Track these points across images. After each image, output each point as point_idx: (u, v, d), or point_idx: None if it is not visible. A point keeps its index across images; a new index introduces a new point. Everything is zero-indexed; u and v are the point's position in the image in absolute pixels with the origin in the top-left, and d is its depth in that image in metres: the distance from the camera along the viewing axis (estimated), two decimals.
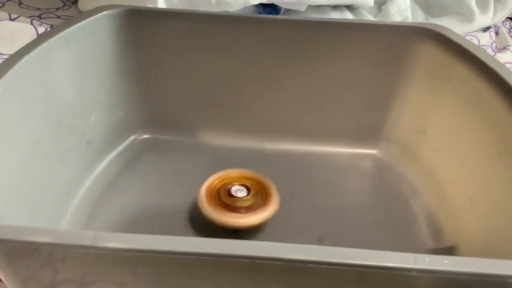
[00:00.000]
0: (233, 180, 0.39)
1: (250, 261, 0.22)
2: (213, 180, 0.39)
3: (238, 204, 0.37)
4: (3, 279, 0.26)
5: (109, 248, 0.21)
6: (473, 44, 0.41)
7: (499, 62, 0.38)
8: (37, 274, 0.24)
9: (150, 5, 0.57)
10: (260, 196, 0.38)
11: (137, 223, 0.39)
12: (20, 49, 0.35)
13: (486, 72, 0.37)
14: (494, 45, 0.69)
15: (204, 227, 0.38)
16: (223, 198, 0.37)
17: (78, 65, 0.41)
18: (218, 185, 0.38)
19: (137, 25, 0.45)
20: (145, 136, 0.49)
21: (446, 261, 0.21)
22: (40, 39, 0.37)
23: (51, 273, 0.24)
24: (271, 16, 0.46)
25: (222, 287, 0.24)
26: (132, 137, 0.48)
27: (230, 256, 0.21)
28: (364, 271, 0.21)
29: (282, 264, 0.21)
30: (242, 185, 0.39)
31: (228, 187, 0.38)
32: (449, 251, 0.38)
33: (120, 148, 0.47)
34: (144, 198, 0.42)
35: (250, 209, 0.36)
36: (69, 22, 0.40)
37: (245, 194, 0.38)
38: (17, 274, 0.25)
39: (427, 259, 0.21)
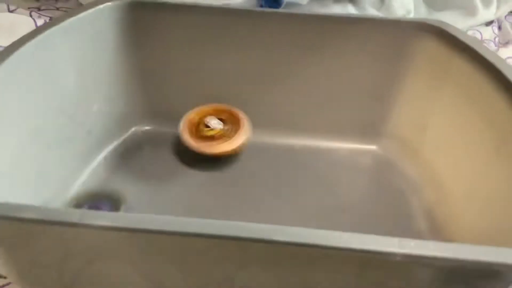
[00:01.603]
0: (209, 113, 0.45)
1: (238, 242, 0.22)
2: (190, 114, 0.45)
3: (215, 134, 0.43)
4: (5, 272, 0.27)
5: (95, 226, 0.21)
6: (475, 39, 0.41)
7: (500, 58, 0.37)
8: (37, 259, 0.25)
9: None
10: (233, 127, 0.44)
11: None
12: (21, 37, 0.36)
13: (487, 68, 0.37)
14: (497, 39, 0.69)
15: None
16: (201, 130, 0.44)
17: (78, 55, 0.41)
18: (196, 119, 0.45)
19: (138, 18, 0.45)
20: (146, 128, 0.49)
21: (431, 246, 0.21)
22: (41, 28, 0.37)
23: (56, 254, 0.24)
24: (272, 9, 0.46)
25: (211, 267, 0.24)
26: (133, 129, 0.48)
27: (217, 236, 0.22)
28: (347, 254, 0.21)
29: (268, 245, 0.22)
30: (218, 118, 0.45)
31: (205, 120, 0.44)
32: None
33: (120, 139, 0.47)
34: (143, 190, 0.42)
35: (223, 137, 0.43)
36: (70, 13, 0.40)
37: (220, 126, 0.44)
38: (18, 262, 0.25)
39: (412, 243, 0.21)
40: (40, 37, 0.37)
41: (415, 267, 0.22)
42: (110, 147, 0.46)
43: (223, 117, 0.45)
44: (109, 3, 0.43)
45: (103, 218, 0.21)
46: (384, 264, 0.22)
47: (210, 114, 0.45)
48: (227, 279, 0.24)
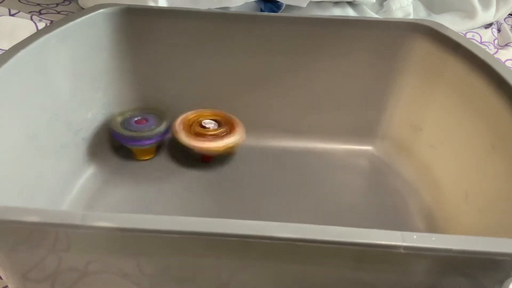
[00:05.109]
0: (206, 116, 0.46)
1: (240, 239, 0.22)
2: (188, 114, 0.46)
3: (207, 132, 0.44)
4: (2, 276, 0.26)
5: (97, 227, 0.21)
6: (466, 38, 0.41)
7: (491, 56, 0.38)
8: (37, 266, 0.24)
9: (151, 3, 0.57)
10: (227, 128, 0.45)
11: None
12: (17, 44, 0.36)
13: (479, 65, 0.37)
14: (496, 41, 0.69)
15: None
16: (196, 128, 0.44)
17: (75, 61, 0.41)
18: (192, 119, 0.46)
19: (135, 24, 0.45)
20: None
21: (433, 238, 0.22)
22: (37, 34, 0.37)
23: (53, 263, 0.24)
24: (267, 13, 0.46)
25: (216, 266, 0.24)
26: None
27: (219, 234, 0.21)
28: (351, 248, 0.21)
29: (271, 242, 0.22)
30: (213, 119, 0.46)
31: (200, 119, 0.46)
32: None
33: (116, 145, 0.47)
34: (139, 195, 0.42)
35: (216, 136, 0.43)
36: (67, 18, 0.41)
37: (215, 126, 0.45)
38: (17, 267, 0.25)
39: (414, 236, 0.22)
40: (37, 42, 0.37)
41: (417, 259, 0.22)
42: (105, 154, 0.45)
43: (218, 119, 0.46)
44: (105, 9, 0.44)
45: (105, 219, 0.21)
46: (387, 257, 0.22)
47: (207, 117, 0.46)
48: (228, 276, 0.24)
